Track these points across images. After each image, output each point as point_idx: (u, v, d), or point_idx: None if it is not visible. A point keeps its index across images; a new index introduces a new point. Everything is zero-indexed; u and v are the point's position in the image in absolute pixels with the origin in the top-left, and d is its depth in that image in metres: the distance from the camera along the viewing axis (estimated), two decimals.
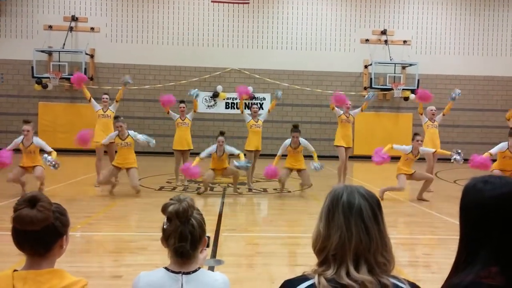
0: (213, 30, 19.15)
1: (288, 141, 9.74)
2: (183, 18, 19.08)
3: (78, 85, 11.10)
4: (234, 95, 16.95)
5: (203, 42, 19.10)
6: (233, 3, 19.04)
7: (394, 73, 18.77)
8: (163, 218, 1.96)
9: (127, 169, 9.24)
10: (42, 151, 9.02)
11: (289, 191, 10.18)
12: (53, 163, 8.52)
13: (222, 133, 9.58)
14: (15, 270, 1.68)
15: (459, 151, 9.34)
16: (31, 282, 1.64)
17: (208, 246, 2.11)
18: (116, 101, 10.86)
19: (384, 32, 19.35)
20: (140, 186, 9.53)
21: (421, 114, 10.95)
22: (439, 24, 19.71)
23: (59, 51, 18.01)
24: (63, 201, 2.35)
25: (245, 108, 14.72)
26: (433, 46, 19.68)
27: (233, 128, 18.30)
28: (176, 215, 1.91)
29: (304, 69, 19.09)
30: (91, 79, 18.31)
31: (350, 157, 11.92)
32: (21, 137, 8.94)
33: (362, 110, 11.36)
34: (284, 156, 9.79)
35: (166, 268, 1.95)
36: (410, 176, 9.46)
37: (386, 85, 18.59)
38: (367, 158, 11.42)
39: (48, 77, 17.43)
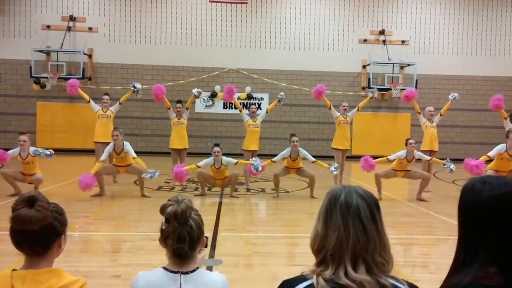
0: (211, 30, 19.14)
1: (287, 151, 9.55)
2: (181, 18, 19.07)
3: (74, 92, 10.85)
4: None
5: (201, 42, 19.09)
6: (231, 3, 19.04)
7: (392, 73, 18.78)
8: (162, 218, 1.96)
9: (127, 168, 9.20)
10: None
11: (287, 191, 10.19)
12: (47, 153, 8.59)
13: (217, 145, 9.38)
14: (14, 270, 1.68)
15: (450, 161, 9.56)
16: (30, 281, 1.65)
17: (206, 246, 2.11)
18: (120, 103, 10.85)
19: (382, 32, 19.36)
20: (138, 185, 9.49)
21: (419, 114, 10.95)
22: (438, 24, 19.73)
23: (57, 51, 17.99)
24: (62, 201, 2.36)
25: (243, 108, 14.75)
26: (432, 46, 19.69)
27: (231, 128, 18.31)
28: (174, 216, 1.91)
29: (302, 69, 19.08)
30: (89, 79, 18.30)
31: (348, 157, 11.95)
32: (17, 149, 8.82)
33: (358, 110, 11.37)
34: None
35: (165, 268, 1.95)
36: (406, 174, 9.49)
37: (384, 85, 18.59)
38: None
39: (46, 77, 17.40)
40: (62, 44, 18.10)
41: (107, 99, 10.78)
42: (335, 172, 9.71)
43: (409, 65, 18.78)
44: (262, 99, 18.90)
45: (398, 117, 19.29)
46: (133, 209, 8.08)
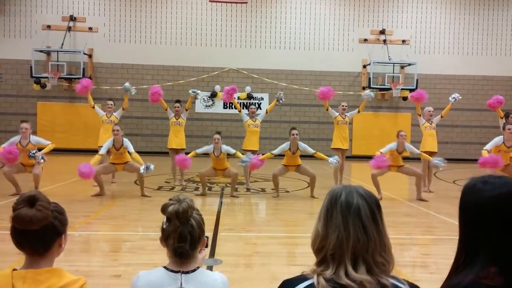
0: (211, 30, 19.15)
1: (287, 145, 9.51)
2: (181, 18, 19.08)
3: (84, 92, 10.80)
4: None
5: (201, 42, 19.10)
6: (231, 2, 19.05)
7: (393, 72, 18.79)
8: (162, 218, 1.96)
9: (124, 165, 9.21)
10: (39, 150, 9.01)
11: (287, 191, 10.19)
12: (40, 156, 8.60)
13: (218, 132, 9.57)
14: (14, 269, 1.68)
15: (440, 158, 9.56)
16: (30, 281, 1.65)
17: (207, 246, 2.11)
18: (123, 109, 10.89)
19: (382, 32, 19.37)
20: (138, 185, 9.49)
21: (419, 115, 10.95)
22: (438, 24, 19.74)
23: (57, 51, 18.02)
24: (62, 201, 2.35)
25: (243, 108, 14.76)
26: (432, 45, 19.70)
27: (231, 128, 18.31)
28: (176, 215, 1.91)
29: (303, 69, 19.09)
30: (90, 79, 18.28)
31: (347, 157, 11.94)
32: (18, 137, 8.87)
33: (359, 112, 11.32)
34: (281, 156, 9.75)
35: (165, 268, 1.95)
36: (399, 168, 9.50)
37: (384, 85, 18.60)
38: (365, 158, 11.44)
39: (47, 77, 17.43)
40: (62, 44, 18.13)
41: (111, 105, 10.83)
42: (335, 164, 9.58)
43: (409, 64, 18.78)
44: (262, 99, 18.91)
45: (399, 117, 19.30)
46: (133, 209, 8.07)
